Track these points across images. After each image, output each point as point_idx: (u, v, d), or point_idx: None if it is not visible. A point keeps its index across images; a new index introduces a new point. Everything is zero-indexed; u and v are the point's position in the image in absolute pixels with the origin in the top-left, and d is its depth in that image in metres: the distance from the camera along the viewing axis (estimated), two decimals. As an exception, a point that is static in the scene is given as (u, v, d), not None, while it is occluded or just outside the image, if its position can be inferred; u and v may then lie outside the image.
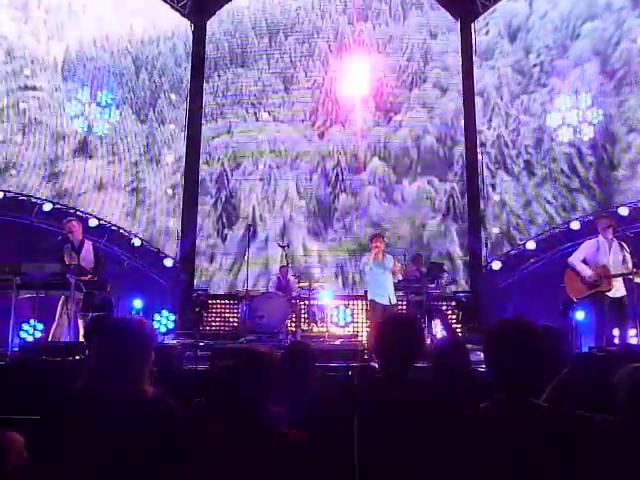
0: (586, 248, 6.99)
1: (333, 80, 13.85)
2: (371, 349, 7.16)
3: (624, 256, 6.77)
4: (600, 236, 6.95)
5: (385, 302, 7.51)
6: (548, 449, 1.98)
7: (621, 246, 6.85)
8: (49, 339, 6.91)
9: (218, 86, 13.93)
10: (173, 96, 13.51)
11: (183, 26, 13.65)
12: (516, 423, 2.03)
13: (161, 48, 13.74)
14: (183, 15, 12.99)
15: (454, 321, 10.02)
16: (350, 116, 13.77)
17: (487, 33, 13.75)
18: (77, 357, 5.43)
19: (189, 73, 13.59)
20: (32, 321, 8.63)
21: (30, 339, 8.45)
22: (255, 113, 13.76)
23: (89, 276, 6.79)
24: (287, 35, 14.18)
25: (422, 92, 13.71)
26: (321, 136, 13.63)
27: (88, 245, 7.22)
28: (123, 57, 13.19)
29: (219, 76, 13.95)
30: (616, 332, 6.79)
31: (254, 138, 13.56)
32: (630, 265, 6.68)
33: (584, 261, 6.90)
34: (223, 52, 14.16)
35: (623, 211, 10.03)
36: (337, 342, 9.16)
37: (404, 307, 9.65)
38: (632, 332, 7.55)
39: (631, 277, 6.64)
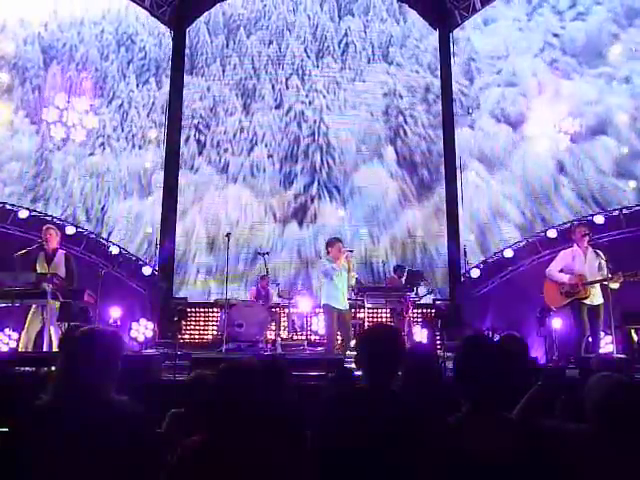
0: (562, 258, 7.09)
1: (316, 105, 9.97)
2: (330, 346, 7.17)
3: (599, 263, 6.87)
4: (575, 245, 7.06)
5: (341, 307, 7.45)
6: (516, 460, 2.00)
7: (596, 254, 6.95)
8: (19, 349, 6.81)
9: (155, 97, 10.57)
10: (96, 101, 10.57)
11: (115, 6, 10.93)
12: (484, 436, 2.05)
13: (84, 35, 10.61)
14: (163, 22, 12.78)
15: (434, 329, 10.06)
16: (353, 176, 9.37)
17: (581, 17, 8.76)
18: (52, 367, 5.33)
19: (117, 68, 10.93)
20: (7, 330, 8.51)
21: (5, 349, 8.33)
22: (198, 143, 9.97)
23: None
24: (249, 33, 10.66)
25: (471, 129, 9.52)
26: (301, 217, 9.30)
27: (61, 255, 7.13)
28: (31, 45, 10.29)
29: (158, 84, 10.74)
30: (590, 340, 6.88)
31: (184, 213, 9.80)
32: (605, 272, 6.77)
33: (561, 270, 7.00)
34: (167, 53, 11.04)
35: (598, 219, 10.15)
36: (316, 351, 9.15)
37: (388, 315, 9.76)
38: (608, 339, 7.66)
39: (606, 283, 6.73)
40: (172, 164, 12.16)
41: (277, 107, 10.13)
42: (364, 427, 2.28)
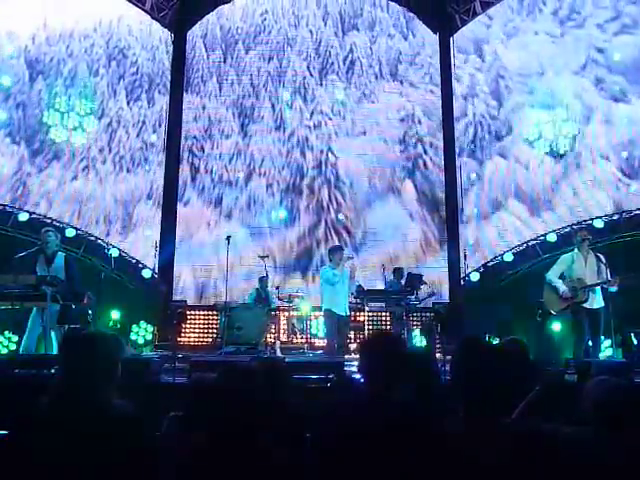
0: (562, 263, 7.09)
1: (322, 130, 8.88)
2: (330, 350, 7.19)
3: (599, 267, 6.87)
4: (575, 249, 7.06)
5: (342, 313, 7.51)
6: (515, 464, 2.00)
7: (597, 257, 6.95)
8: (20, 352, 6.80)
9: (146, 116, 9.73)
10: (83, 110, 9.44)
11: (107, 18, 10.22)
12: (482, 439, 2.05)
13: (73, 48, 9.86)
14: (163, 25, 12.74)
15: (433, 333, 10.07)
16: (365, 216, 8.31)
17: (628, 31, 7.51)
18: (52, 370, 5.33)
19: (106, 82, 10.15)
20: (7, 333, 8.52)
21: (4, 352, 8.34)
22: (191, 167, 8.99)
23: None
24: (248, 48, 9.86)
25: (503, 158, 8.13)
26: (305, 265, 8.39)
27: (61, 257, 7.11)
28: (16, 59, 9.46)
29: (150, 102, 9.94)
30: (590, 343, 6.88)
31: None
32: (605, 276, 6.77)
33: (562, 275, 7.00)
34: (161, 68, 10.27)
35: (598, 223, 10.15)
36: (317, 354, 9.14)
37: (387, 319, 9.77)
38: (607, 342, 7.66)
39: (606, 286, 6.74)
40: (171, 173, 11.62)
41: (277, 129, 9.30)
42: (364, 430, 2.29)
